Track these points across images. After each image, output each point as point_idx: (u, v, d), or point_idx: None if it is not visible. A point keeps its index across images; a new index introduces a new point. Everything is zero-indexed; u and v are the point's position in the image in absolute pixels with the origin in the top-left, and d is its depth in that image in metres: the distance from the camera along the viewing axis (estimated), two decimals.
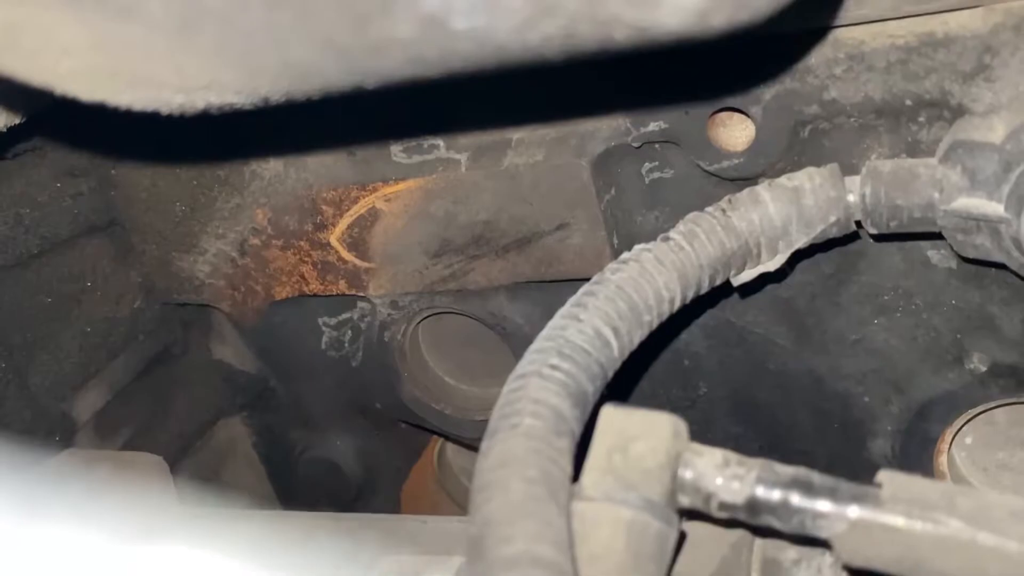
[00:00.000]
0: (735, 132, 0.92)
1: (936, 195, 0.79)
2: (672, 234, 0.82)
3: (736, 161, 0.92)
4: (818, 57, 0.85)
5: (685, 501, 0.63)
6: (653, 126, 0.94)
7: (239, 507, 1.44)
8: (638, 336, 0.76)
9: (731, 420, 1.13)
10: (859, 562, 0.61)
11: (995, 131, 0.77)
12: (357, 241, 1.11)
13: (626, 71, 0.90)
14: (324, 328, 1.25)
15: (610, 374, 0.72)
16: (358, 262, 1.13)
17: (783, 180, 0.84)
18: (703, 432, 1.13)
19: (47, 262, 1.16)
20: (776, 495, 0.61)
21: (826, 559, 0.70)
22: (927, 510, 0.59)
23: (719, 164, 0.93)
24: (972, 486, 1.05)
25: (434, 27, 0.43)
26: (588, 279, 0.78)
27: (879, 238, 0.89)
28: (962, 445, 1.06)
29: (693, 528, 0.69)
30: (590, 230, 0.99)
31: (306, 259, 1.16)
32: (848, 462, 1.08)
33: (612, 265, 0.79)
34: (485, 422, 0.65)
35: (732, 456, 0.63)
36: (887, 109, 0.86)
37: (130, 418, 1.28)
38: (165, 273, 1.27)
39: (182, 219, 1.21)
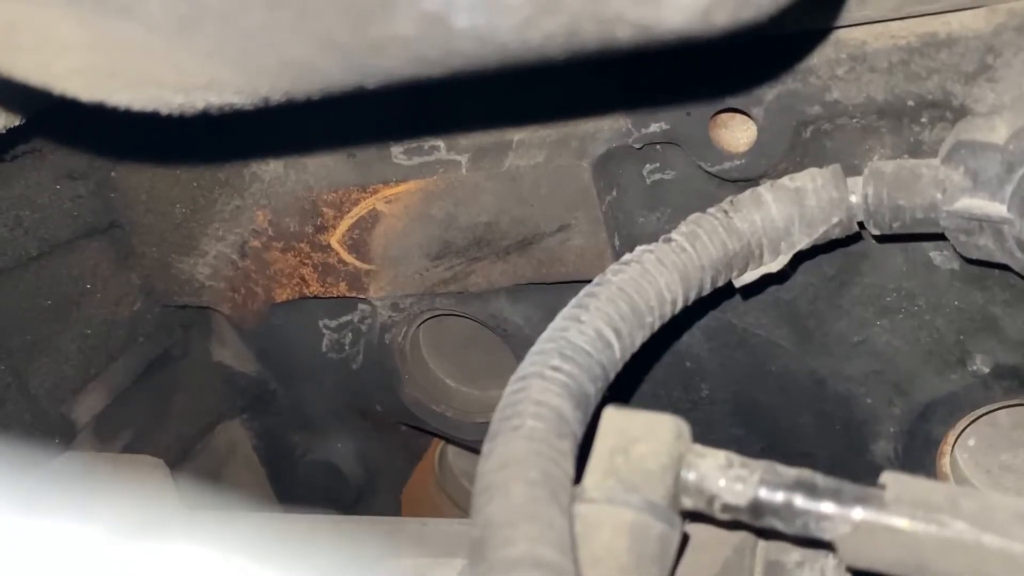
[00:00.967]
0: (737, 133, 0.92)
1: (939, 196, 0.79)
2: (674, 235, 0.81)
3: (738, 162, 0.92)
4: (820, 58, 0.85)
5: (688, 503, 0.63)
6: (654, 127, 0.93)
7: (239, 509, 1.44)
8: (640, 337, 0.76)
9: (733, 422, 1.13)
10: (863, 564, 0.61)
11: (998, 132, 0.76)
12: (358, 243, 1.11)
13: (627, 71, 0.90)
14: (325, 330, 1.24)
15: (612, 375, 0.72)
16: (359, 264, 1.13)
17: (785, 181, 0.83)
18: (705, 434, 1.11)
19: (46, 264, 1.16)
20: (779, 497, 0.61)
21: (830, 561, 0.70)
22: (931, 512, 0.58)
23: (721, 165, 0.92)
24: (975, 487, 1.04)
25: (435, 25, 0.43)
26: (589, 281, 0.78)
27: (882, 239, 0.89)
28: (965, 447, 1.06)
29: (696, 530, 0.68)
30: (591, 232, 0.99)
31: (306, 261, 1.16)
32: (850, 464, 1.08)
33: (613, 266, 0.78)
34: (486, 424, 0.65)
35: (735, 458, 0.63)
36: (889, 110, 0.85)
37: (130, 421, 1.28)
38: (165, 275, 1.26)
39: (182, 221, 1.21)
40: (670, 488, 0.61)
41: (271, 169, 1.14)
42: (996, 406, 0.99)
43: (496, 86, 0.74)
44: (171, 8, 0.45)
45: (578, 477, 0.62)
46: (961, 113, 0.82)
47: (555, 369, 0.67)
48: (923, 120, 0.85)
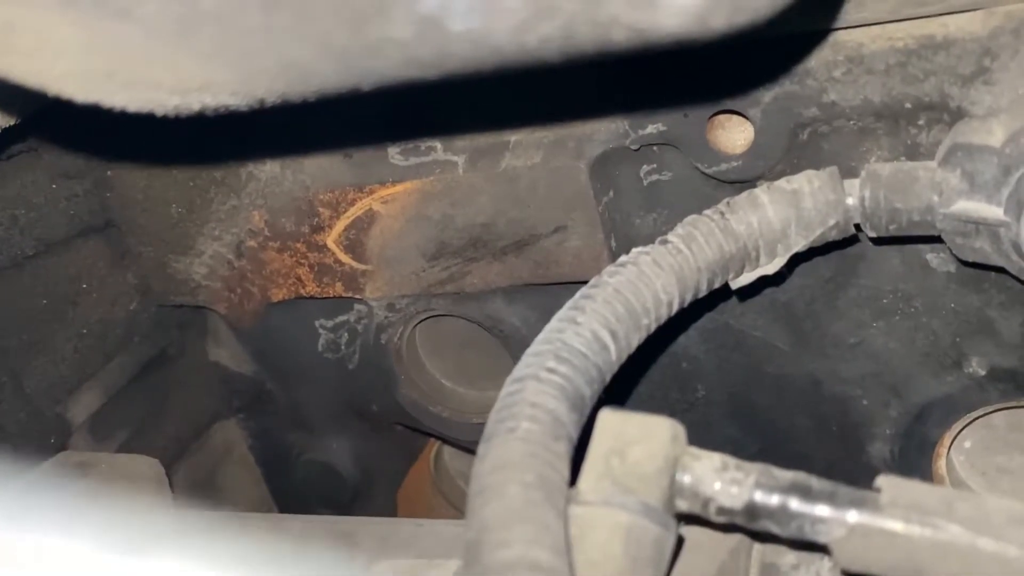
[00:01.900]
0: (734, 134, 0.92)
1: (935, 198, 0.79)
2: (670, 237, 0.81)
3: (735, 164, 0.92)
4: (817, 60, 0.85)
5: (683, 506, 0.63)
6: (651, 128, 0.93)
7: (235, 510, 1.44)
8: (636, 340, 0.76)
9: (729, 423, 1.13)
10: (858, 567, 0.61)
11: (994, 134, 0.76)
12: (354, 243, 1.11)
13: (624, 73, 0.89)
14: (321, 330, 1.24)
15: (607, 378, 0.72)
16: (355, 264, 1.13)
17: (782, 183, 0.83)
18: (701, 434, 1.12)
19: (43, 264, 1.16)
20: (775, 500, 0.61)
21: (825, 564, 0.70)
22: (926, 515, 0.58)
23: (718, 166, 0.92)
24: (971, 490, 1.04)
25: (431, 28, 0.43)
26: (586, 282, 0.78)
27: (878, 241, 0.89)
28: (961, 449, 1.06)
29: (691, 532, 0.68)
30: (588, 232, 0.99)
31: (303, 261, 1.16)
32: (846, 465, 1.08)
33: (610, 268, 0.78)
34: (482, 425, 0.65)
35: (730, 460, 0.63)
36: (886, 112, 0.85)
37: (126, 420, 1.28)
38: (161, 275, 1.26)
39: (178, 221, 1.21)
40: (665, 491, 0.61)
41: (267, 169, 1.14)
42: (992, 408, 0.99)
43: (493, 87, 0.74)
44: (168, 10, 0.44)
45: (573, 479, 0.62)
46: (958, 115, 0.82)
47: (551, 371, 0.66)
48: (920, 122, 0.85)
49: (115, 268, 1.25)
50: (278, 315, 1.24)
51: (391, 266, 1.11)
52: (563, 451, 0.62)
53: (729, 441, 1.13)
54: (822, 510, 0.60)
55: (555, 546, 0.54)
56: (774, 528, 0.61)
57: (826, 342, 1.02)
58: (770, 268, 0.84)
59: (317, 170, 1.11)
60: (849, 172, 0.86)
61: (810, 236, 0.83)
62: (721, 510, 0.62)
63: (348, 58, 0.47)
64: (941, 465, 1.03)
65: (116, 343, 1.26)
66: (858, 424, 1.05)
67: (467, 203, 1.02)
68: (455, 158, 1.03)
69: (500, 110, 0.99)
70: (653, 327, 0.78)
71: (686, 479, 0.62)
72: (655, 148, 0.97)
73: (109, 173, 1.21)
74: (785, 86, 0.87)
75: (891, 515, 0.59)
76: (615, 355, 0.73)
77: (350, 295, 1.16)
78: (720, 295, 0.90)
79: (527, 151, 0.99)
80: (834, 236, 0.84)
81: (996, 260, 0.79)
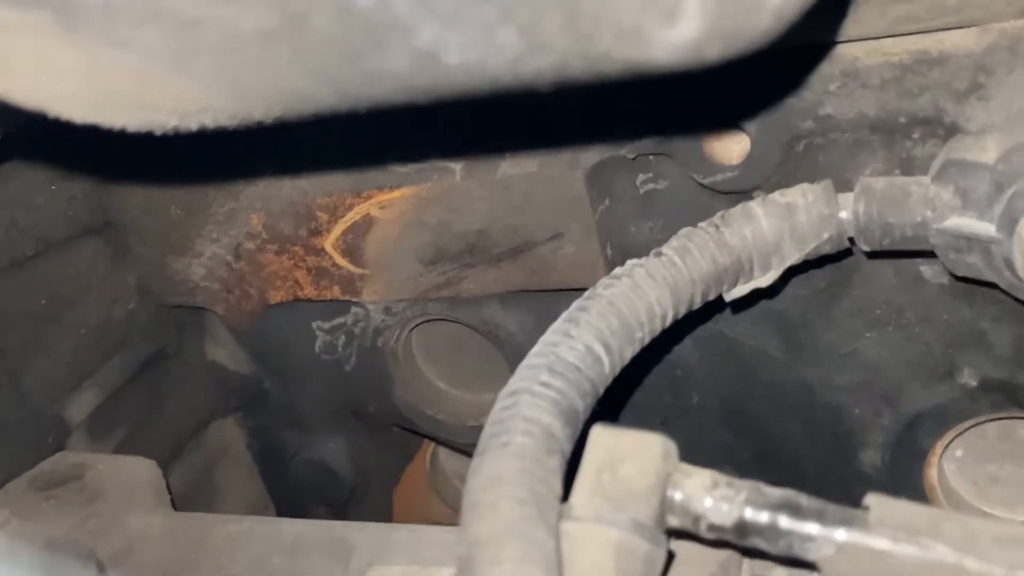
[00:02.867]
0: (730, 146, 0.92)
1: (928, 214, 0.79)
2: (665, 249, 0.81)
3: (730, 174, 0.92)
4: (814, 73, 0.85)
5: (674, 522, 0.63)
6: (647, 139, 0.94)
7: (232, 507, 1.45)
8: (629, 352, 0.76)
9: (722, 429, 1.13)
10: None
11: (988, 151, 0.77)
12: (351, 247, 1.11)
13: (621, 88, 0.90)
14: (318, 332, 1.25)
15: (601, 391, 0.72)
16: (352, 268, 1.13)
17: (776, 196, 0.84)
18: (694, 441, 1.13)
19: (42, 264, 1.16)
20: (764, 517, 0.61)
21: None
22: (914, 534, 0.59)
23: (713, 177, 0.93)
24: (962, 499, 1.05)
25: (427, 61, 0.44)
26: (581, 289, 0.78)
27: (872, 255, 0.89)
28: (952, 458, 1.06)
29: (681, 547, 0.69)
30: (584, 240, 0.99)
31: (300, 264, 1.16)
32: (838, 473, 1.09)
33: (604, 280, 0.79)
34: (477, 428, 0.65)
35: (721, 478, 0.64)
36: (881, 125, 0.86)
37: (124, 419, 1.28)
38: (160, 275, 1.27)
39: (177, 222, 1.21)
40: (656, 507, 0.62)
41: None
42: (983, 419, 0.99)
43: (489, 105, 0.74)
44: (168, 41, 0.45)
45: (566, 494, 0.63)
46: (952, 130, 0.82)
47: (545, 385, 0.67)
48: (915, 136, 0.86)
49: (114, 268, 1.25)
50: (276, 316, 1.24)
51: (388, 270, 1.12)
52: (556, 466, 0.63)
53: (722, 447, 1.14)
54: (811, 528, 0.61)
55: (546, 563, 0.55)
56: (764, 545, 0.62)
57: (820, 351, 1.02)
58: (764, 281, 0.85)
59: (315, 175, 1.11)
60: (844, 184, 0.86)
61: (804, 249, 0.83)
62: (712, 527, 0.63)
63: (345, 86, 0.48)
64: (932, 474, 1.04)
65: (115, 343, 1.26)
66: (850, 432, 1.06)
67: (464, 209, 1.03)
68: (452, 165, 1.03)
69: (496, 126, 0.99)
70: (647, 339, 0.78)
71: (677, 496, 0.63)
72: (651, 158, 0.97)
73: (108, 175, 1.21)
74: (781, 99, 0.87)
75: (879, 534, 0.59)
76: (608, 368, 0.73)
77: (347, 298, 1.16)
78: (715, 304, 0.90)
79: (523, 159, 0.99)
80: (828, 249, 0.84)
81: (988, 276, 0.80)
